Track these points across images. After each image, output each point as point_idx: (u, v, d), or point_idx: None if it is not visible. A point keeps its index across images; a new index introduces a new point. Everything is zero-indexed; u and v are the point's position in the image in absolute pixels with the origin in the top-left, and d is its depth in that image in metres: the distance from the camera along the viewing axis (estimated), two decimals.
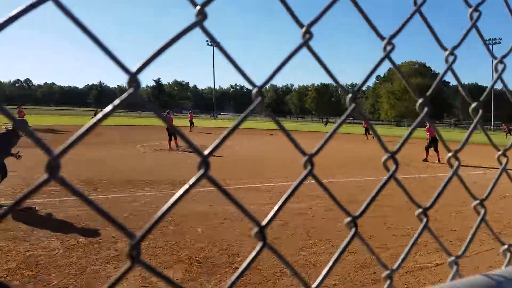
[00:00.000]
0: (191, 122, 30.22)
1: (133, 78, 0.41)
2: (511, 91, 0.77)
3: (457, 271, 0.66)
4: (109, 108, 0.41)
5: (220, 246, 4.84)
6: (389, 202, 7.24)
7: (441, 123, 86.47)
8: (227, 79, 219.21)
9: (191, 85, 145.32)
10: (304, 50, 0.54)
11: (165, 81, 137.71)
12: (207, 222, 5.74)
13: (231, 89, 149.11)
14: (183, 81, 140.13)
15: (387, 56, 0.61)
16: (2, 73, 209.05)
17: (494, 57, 0.73)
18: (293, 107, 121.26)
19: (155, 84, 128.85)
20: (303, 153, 0.56)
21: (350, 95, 0.59)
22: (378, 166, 9.59)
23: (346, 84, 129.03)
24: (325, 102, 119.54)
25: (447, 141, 0.68)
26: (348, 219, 0.60)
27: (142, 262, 0.42)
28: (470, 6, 0.68)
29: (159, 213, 0.43)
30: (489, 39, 70.96)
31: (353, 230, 0.61)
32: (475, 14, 0.67)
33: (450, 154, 0.68)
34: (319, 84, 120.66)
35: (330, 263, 0.56)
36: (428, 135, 14.75)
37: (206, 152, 0.47)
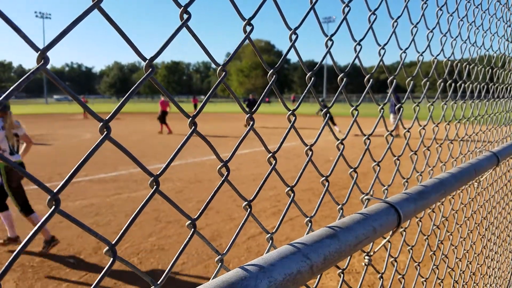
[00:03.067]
0: None
1: None
2: (339, 66, 0.88)
3: (272, 244, 0.74)
4: None
5: (59, 246, 4.41)
6: (235, 176, 7.75)
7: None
8: (61, 56, 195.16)
9: (15, 64, 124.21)
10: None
11: None
12: None
13: (67, 68, 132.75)
14: (4, 60, 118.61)
15: (247, 36, 0.63)
16: None
17: (325, 35, 0.81)
18: (142, 86, 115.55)
19: None
20: None
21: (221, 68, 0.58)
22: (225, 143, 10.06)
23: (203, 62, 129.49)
24: (176, 80, 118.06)
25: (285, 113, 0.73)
26: (188, 222, 0.60)
27: None
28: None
29: None
30: (325, 18, 79.81)
31: (192, 230, 0.61)
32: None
33: (289, 113, 0.74)
34: (169, 61, 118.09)
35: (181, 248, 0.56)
36: (161, 109, 17.07)
37: None
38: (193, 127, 0.53)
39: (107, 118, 0.44)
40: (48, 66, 0.39)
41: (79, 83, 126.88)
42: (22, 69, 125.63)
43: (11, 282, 3.67)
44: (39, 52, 0.38)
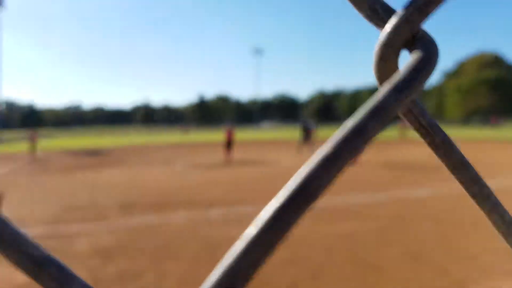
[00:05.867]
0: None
1: None
2: None
3: None
4: None
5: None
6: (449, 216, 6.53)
7: None
8: (272, 88, 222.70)
9: (232, 98, 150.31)
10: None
11: (207, 96, 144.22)
12: None
13: (275, 99, 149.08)
14: (226, 95, 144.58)
15: None
16: (56, 98, 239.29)
17: None
18: (343, 113, 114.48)
19: (198, 100, 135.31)
20: None
21: None
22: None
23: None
24: None
25: None
26: None
27: None
28: None
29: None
30: None
31: None
32: None
33: None
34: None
35: None
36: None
37: None
38: None
39: None
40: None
41: (284, 110, 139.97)
42: (239, 102, 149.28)
43: None
44: None
